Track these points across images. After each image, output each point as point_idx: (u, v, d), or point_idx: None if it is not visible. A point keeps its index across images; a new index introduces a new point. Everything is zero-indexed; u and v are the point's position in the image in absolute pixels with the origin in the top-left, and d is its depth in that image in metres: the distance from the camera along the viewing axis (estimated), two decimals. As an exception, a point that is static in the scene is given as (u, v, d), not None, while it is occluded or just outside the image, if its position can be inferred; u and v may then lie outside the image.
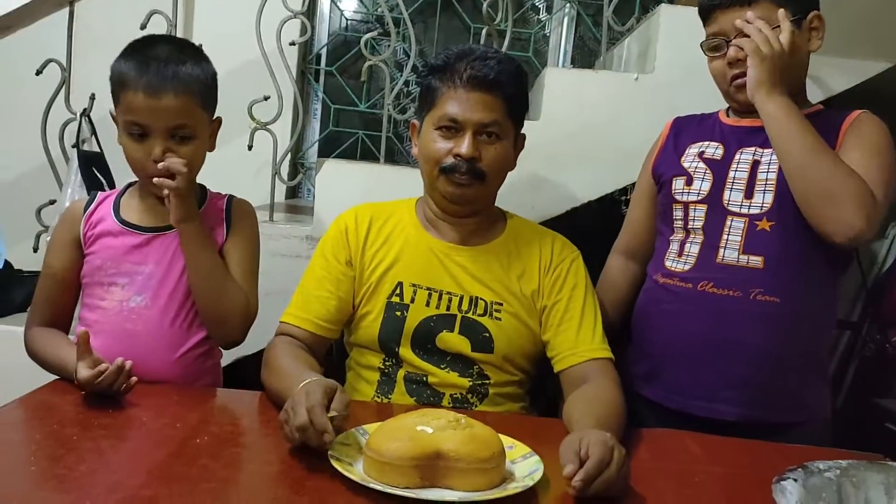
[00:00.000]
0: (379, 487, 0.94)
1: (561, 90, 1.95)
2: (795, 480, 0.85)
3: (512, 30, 2.09)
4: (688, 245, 1.44)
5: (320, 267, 1.45)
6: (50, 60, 2.04)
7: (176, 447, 1.06)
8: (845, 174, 1.26)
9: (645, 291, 1.55)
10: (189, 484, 0.95)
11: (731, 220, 1.39)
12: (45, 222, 2.06)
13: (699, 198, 1.43)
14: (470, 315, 1.41)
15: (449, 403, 1.39)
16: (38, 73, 2.02)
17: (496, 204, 1.53)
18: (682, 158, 1.49)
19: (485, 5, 2.03)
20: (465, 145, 1.35)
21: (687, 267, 1.43)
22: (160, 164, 1.27)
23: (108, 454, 1.02)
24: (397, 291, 1.41)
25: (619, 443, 1.03)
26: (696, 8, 1.48)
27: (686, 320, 1.42)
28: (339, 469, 0.97)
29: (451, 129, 1.37)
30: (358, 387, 1.45)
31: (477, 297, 1.41)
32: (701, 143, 1.49)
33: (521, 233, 1.49)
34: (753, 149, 1.41)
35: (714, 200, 1.42)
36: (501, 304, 1.41)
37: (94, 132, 2.04)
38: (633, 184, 1.99)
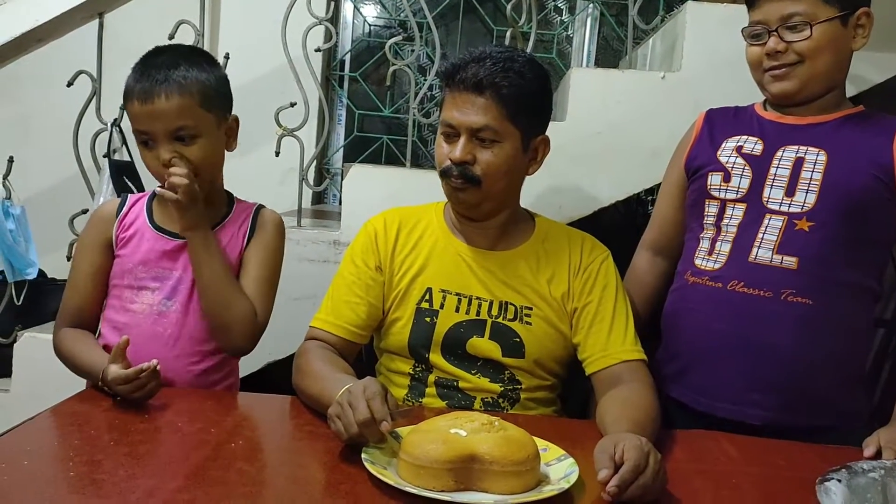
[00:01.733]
0: (414, 491, 0.94)
1: (587, 90, 1.94)
2: (839, 481, 0.84)
3: (536, 31, 2.08)
4: (719, 243, 1.41)
5: (350, 272, 1.44)
6: (81, 72, 2.07)
7: (212, 451, 1.06)
8: None
9: (674, 291, 1.51)
10: (226, 487, 0.95)
11: (770, 219, 1.36)
12: (77, 231, 2.08)
13: (738, 196, 1.40)
14: (500, 320, 1.40)
15: (480, 408, 1.39)
16: (70, 84, 2.06)
17: (522, 206, 1.52)
18: (719, 152, 1.45)
19: (508, 7, 2.03)
20: (457, 150, 1.34)
21: (717, 266, 1.40)
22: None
23: (145, 459, 1.04)
24: (427, 297, 1.41)
25: (654, 447, 1.02)
26: (724, 5, 1.47)
27: (715, 320, 1.38)
28: (374, 472, 0.97)
29: (450, 133, 1.37)
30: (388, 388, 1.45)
31: (507, 302, 1.41)
32: (739, 137, 1.44)
33: (550, 235, 1.48)
34: (797, 147, 1.37)
35: (753, 198, 1.39)
36: (531, 309, 1.41)
37: (124, 141, 2.07)
38: (660, 183, 1.98)
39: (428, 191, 1.63)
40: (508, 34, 2.07)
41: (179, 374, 1.37)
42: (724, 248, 1.40)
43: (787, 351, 1.33)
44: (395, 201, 1.62)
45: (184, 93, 1.31)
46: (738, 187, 1.40)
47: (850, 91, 1.86)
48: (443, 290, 1.41)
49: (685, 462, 1.17)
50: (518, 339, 1.39)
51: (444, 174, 1.38)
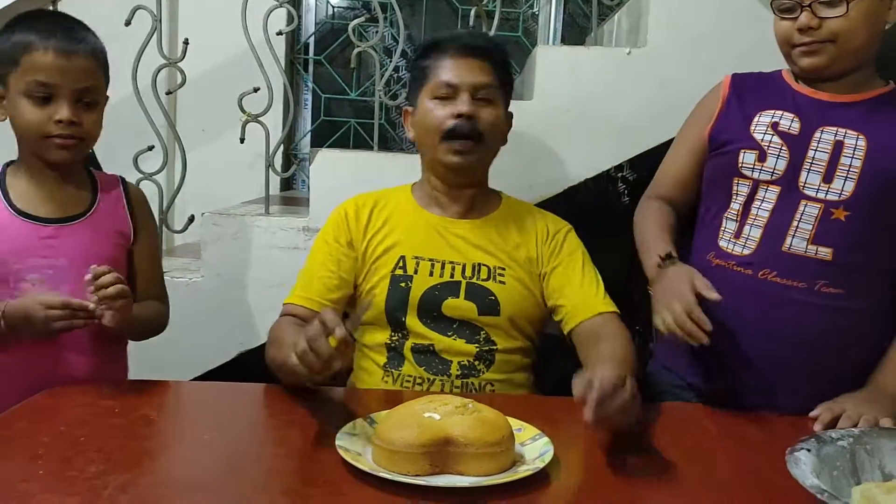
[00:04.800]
0: (389, 476, 0.94)
1: (553, 68, 1.93)
2: (809, 450, 0.84)
3: (500, 10, 2.06)
4: (748, 227, 1.34)
5: (321, 250, 1.48)
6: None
7: (185, 444, 1.05)
8: None
9: (694, 268, 1.41)
10: (200, 480, 0.94)
11: (805, 206, 1.30)
12: None
13: (773, 178, 1.33)
14: (474, 280, 1.44)
15: (457, 371, 1.40)
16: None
17: (492, 185, 1.57)
18: (752, 127, 1.36)
19: (472, -14, 2.01)
20: (464, 103, 1.42)
21: (746, 252, 1.34)
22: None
23: (116, 454, 1.02)
24: (400, 264, 1.44)
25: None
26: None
27: (744, 309, 1.31)
28: (349, 459, 0.96)
29: (448, 94, 1.43)
30: (365, 365, 1.47)
31: (480, 264, 1.45)
32: (773, 112, 1.35)
33: (517, 209, 1.55)
34: (835, 129, 1.31)
35: (789, 182, 1.32)
36: (504, 269, 1.46)
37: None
38: (629, 161, 1.98)
39: (396, 173, 1.62)
40: (473, 13, 2.05)
41: (79, 363, 1.33)
42: (755, 233, 1.34)
43: (822, 343, 1.30)
44: (364, 185, 1.61)
45: (97, 56, 1.31)
46: (774, 168, 1.33)
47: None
48: (416, 257, 1.45)
49: (662, 434, 1.18)
50: (493, 297, 1.43)
51: (451, 134, 1.42)
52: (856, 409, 1.20)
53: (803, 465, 0.81)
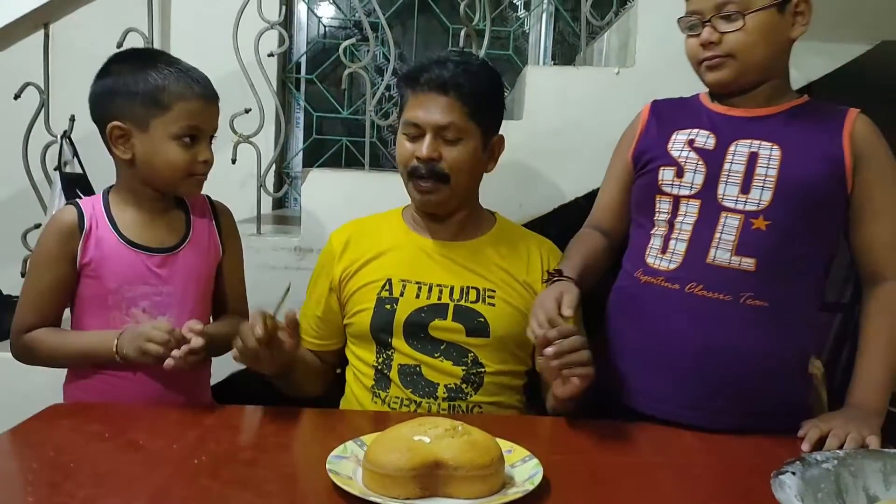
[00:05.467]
0: (380, 500, 0.93)
1: (543, 88, 1.94)
2: (794, 473, 0.85)
3: (491, 28, 2.08)
4: (673, 242, 1.35)
5: (310, 287, 1.55)
6: (28, 84, 2.02)
7: (175, 468, 1.05)
8: None
9: (622, 289, 1.44)
10: (188, 507, 0.94)
11: (726, 217, 1.31)
12: (31, 246, 2.04)
13: (692, 192, 1.35)
14: (463, 303, 1.43)
15: (444, 393, 1.40)
16: (17, 97, 2.01)
17: (483, 204, 1.57)
18: (670, 146, 1.39)
19: (462, 5, 2.03)
20: (423, 147, 1.40)
21: (672, 266, 1.35)
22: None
23: (106, 480, 1.01)
24: (387, 287, 1.45)
25: None
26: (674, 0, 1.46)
27: (672, 323, 1.33)
28: (339, 483, 0.96)
29: (414, 132, 1.42)
30: (355, 388, 1.48)
31: (469, 287, 1.45)
32: (689, 130, 1.39)
33: (510, 231, 1.56)
34: (750, 141, 1.33)
35: (708, 195, 1.34)
36: (495, 291, 1.45)
37: (75, 153, 2.03)
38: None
39: (388, 192, 1.62)
40: (463, 32, 2.07)
41: (185, 384, 1.40)
42: (680, 247, 1.35)
43: (749, 355, 1.29)
44: (356, 204, 1.62)
45: (218, 98, 1.41)
46: (692, 183, 1.35)
47: (800, 81, 1.91)
48: (402, 280, 1.45)
49: (648, 454, 1.19)
50: (482, 319, 1.42)
51: (412, 174, 1.43)
52: (843, 427, 1.20)
53: (788, 489, 0.81)
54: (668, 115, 1.46)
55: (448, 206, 1.46)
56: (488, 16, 2.08)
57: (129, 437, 1.16)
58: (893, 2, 1.73)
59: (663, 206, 1.38)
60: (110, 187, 1.43)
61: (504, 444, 1.07)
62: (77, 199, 1.41)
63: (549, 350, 1.17)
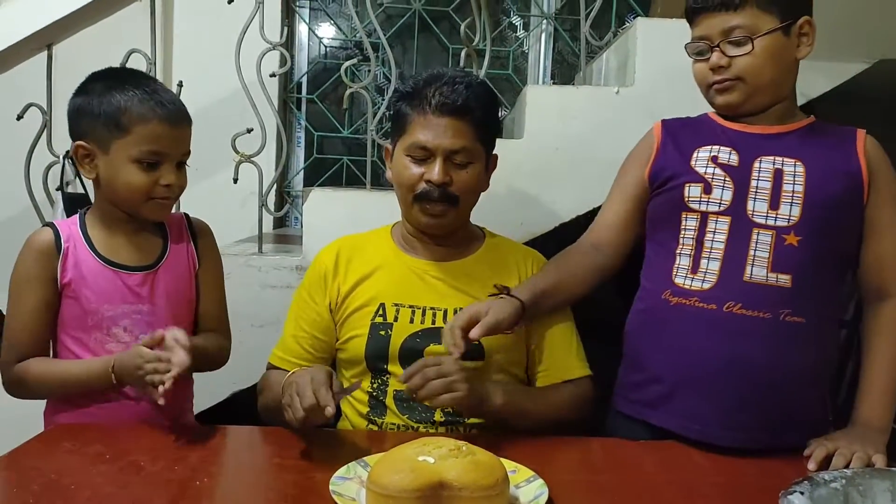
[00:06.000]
0: (383, 521, 0.93)
1: (543, 107, 1.95)
2: (802, 493, 0.84)
3: (491, 49, 2.10)
4: (704, 261, 1.33)
5: (298, 306, 1.51)
6: (31, 104, 2.03)
7: (176, 490, 1.04)
8: None
9: (648, 311, 1.41)
10: (191, 529, 0.93)
11: (758, 234, 1.30)
12: (32, 266, 2.04)
13: (721, 208, 1.33)
14: None
15: (441, 417, 1.39)
16: (20, 117, 2.01)
17: (481, 223, 1.57)
18: (693, 162, 1.37)
19: (462, 27, 2.04)
20: (435, 171, 1.38)
21: (707, 286, 1.32)
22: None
23: (108, 502, 1.01)
24: (380, 312, 1.43)
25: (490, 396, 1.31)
26: (673, 20, 1.48)
27: (709, 343, 1.30)
28: (342, 504, 0.96)
29: (422, 155, 1.40)
30: (350, 415, 1.45)
31: (461, 308, 1.40)
32: (710, 147, 1.37)
33: (499, 246, 1.55)
34: (773, 157, 1.33)
35: (738, 211, 1.32)
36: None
37: (77, 174, 2.02)
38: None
39: (389, 212, 1.62)
40: (463, 53, 2.08)
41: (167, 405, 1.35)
42: (713, 266, 1.32)
43: (788, 371, 1.29)
44: (357, 223, 1.62)
45: (190, 121, 1.38)
46: (721, 199, 1.33)
47: (800, 99, 1.91)
48: (396, 304, 1.43)
49: (656, 473, 1.18)
50: (477, 342, 1.39)
51: (421, 197, 1.40)
52: (849, 446, 1.20)
53: (797, 508, 0.81)
54: (683, 133, 1.44)
55: (453, 227, 1.46)
56: (489, 36, 2.10)
57: (131, 458, 1.16)
58: (891, 22, 1.75)
59: (690, 223, 1.36)
60: (87, 208, 1.43)
61: (508, 464, 1.06)
62: (53, 221, 1.40)
63: (409, 385, 1.24)
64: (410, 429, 1.39)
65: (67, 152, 2.00)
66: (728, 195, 1.33)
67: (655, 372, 1.38)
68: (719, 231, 1.33)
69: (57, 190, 1.99)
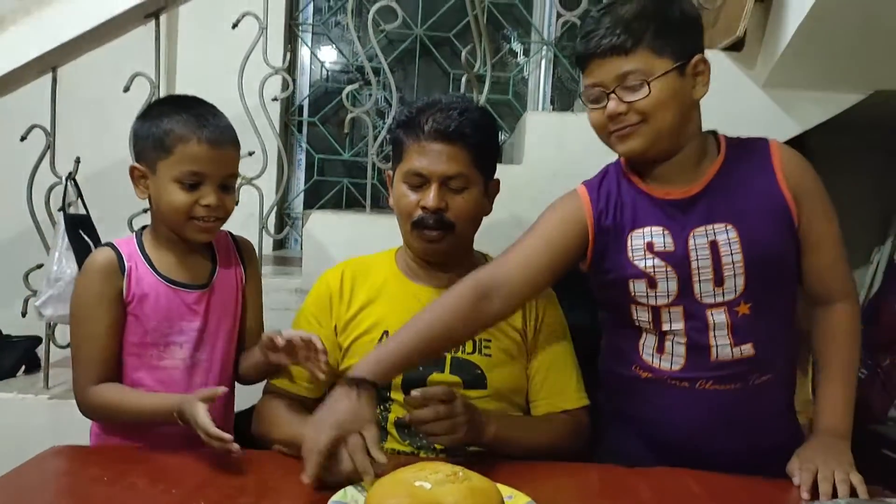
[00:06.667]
0: (380, 547, 0.93)
1: (542, 134, 1.97)
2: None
3: (491, 74, 2.12)
4: (669, 344, 1.34)
5: (303, 328, 1.46)
6: (34, 126, 2.05)
7: (172, 514, 1.04)
8: None
9: (616, 374, 1.43)
10: (187, 553, 0.93)
11: (712, 314, 1.30)
12: (32, 286, 2.05)
13: (671, 300, 1.31)
14: (459, 355, 1.42)
15: (442, 444, 1.37)
16: (23, 138, 2.03)
17: (482, 249, 1.57)
18: (630, 255, 1.32)
19: (463, 53, 2.06)
20: (430, 198, 1.39)
21: (676, 367, 1.33)
22: None
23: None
24: (383, 340, 1.42)
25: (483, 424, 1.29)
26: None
27: (689, 411, 1.34)
28: (339, 529, 0.96)
29: (418, 182, 1.40)
30: None
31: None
32: (642, 230, 1.32)
33: None
34: (704, 228, 1.30)
35: (687, 298, 1.30)
36: (490, 340, 1.44)
37: (79, 195, 2.04)
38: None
39: (389, 235, 1.63)
40: (465, 79, 2.10)
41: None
42: (679, 350, 1.33)
43: (762, 420, 1.36)
44: (357, 246, 1.63)
45: (238, 144, 1.41)
46: (668, 291, 1.31)
47: (796, 129, 1.94)
48: None
49: (648, 500, 1.18)
50: (479, 371, 1.41)
51: (418, 224, 1.41)
52: (825, 466, 1.21)
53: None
54: (611, 209, 1.35)
55: (451, 253, 1.46)
56: (489, 62, 2.12)
57: (129, 481, 1.16)
58: (886, 53, 1.77)
59: (642, 316, 1.34)
60: (143, 228, 1.46)
61: (505, 490, 1.06)
62: (111, 241, 1.42)
63: (416, 415, 1.24)
64: (412, 455, 1.38)
65: (70, 173, 2.03)
66: (674, 286, 1.30)
67: (636, 429, 1.42)
68: (675, 319, 1.32)
69: (59, 210, 2.00)
